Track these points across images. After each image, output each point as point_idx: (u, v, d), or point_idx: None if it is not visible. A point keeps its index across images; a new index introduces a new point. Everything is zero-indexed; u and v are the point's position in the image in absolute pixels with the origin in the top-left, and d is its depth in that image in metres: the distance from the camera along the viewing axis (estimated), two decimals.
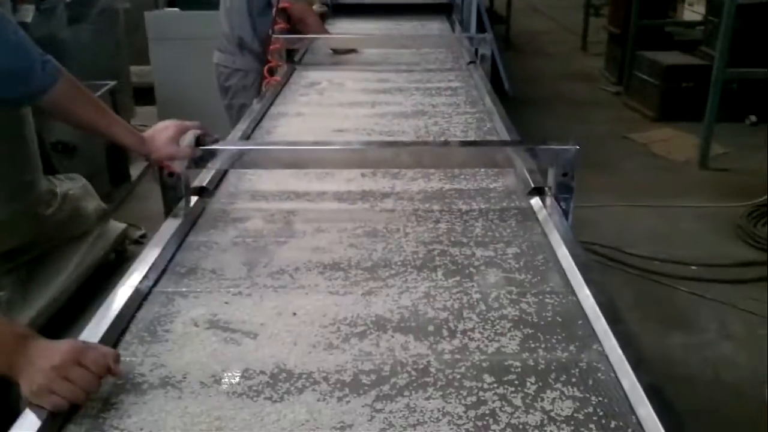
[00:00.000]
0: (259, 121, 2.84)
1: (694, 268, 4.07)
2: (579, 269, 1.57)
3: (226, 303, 1.50)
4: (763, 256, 4.22)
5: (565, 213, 1.86)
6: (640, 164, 5.76)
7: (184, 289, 1.56)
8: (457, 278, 1.59)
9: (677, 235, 4.52)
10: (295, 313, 1.46)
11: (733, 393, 3.10)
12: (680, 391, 1.10)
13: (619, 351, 1.26)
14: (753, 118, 6.58)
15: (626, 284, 3.86)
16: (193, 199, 1.98)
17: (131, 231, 4.18)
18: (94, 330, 1.36)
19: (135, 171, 5.04)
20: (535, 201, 1.98)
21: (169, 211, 1.89)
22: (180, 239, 1.79)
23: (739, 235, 4.50)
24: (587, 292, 1.47)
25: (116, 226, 3.61)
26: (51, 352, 1.15)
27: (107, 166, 4.56)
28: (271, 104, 3.11)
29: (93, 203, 3.03)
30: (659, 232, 4.54)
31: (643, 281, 3.97)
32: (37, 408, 1.13)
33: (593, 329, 1.37)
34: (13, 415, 1.13)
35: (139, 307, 1.48)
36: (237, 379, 1.24)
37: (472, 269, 1.63)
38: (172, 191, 1.90)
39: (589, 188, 4.42)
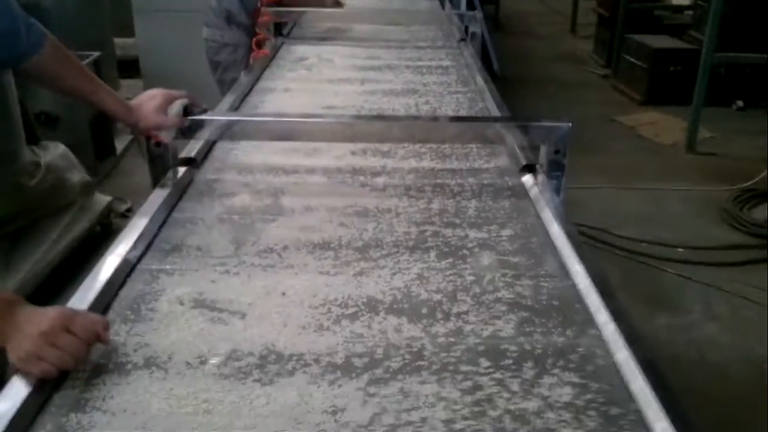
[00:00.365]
0: (246, 95, 2.79)
1: (680, 250, 4.08)
2: (572, 247, 1.54)
3: (213, 281, 1.46)
4: (748, 240, 4.24)
5: (557, 190, 1.84)
6: (628, 147, 5.75)
7: (168, 267, 1.51)
8: (451, 260, 1.55)
9: (664, 217, 4.52)
10: (284, 293, 1.42)
11: (718, 373, 3.12)
12: (666, 370, 1.13)
13: (618, 335, 1.23)
14: (740, 103, 6.58)
15: (613, 265, 3.85)
16: (181, 170, 1.94)
17: (117, 204, 4.12)
18: (82, 298, 1.32)
19: (120, 145, 4.96)
20: (527, 179, 1.95)
21: (156, 181, 1.84)
22: (166, 212, 1.74)
23: (724, 218, 4.51)
24: (582, 271, 1.45)
25: (101, 199, 3.55)
26: (39, 318, 1.12)
27: (92, 140, 4.48)
28: (259, 79, 3.06)
29: (77, 175, 2.97)
30: (646, 214, 4.54)
31: (629, 263, 3.98)
32: (25, 375, 1.10)
33: (589, 312, 1.34)
34: (0, 383, 1.11)
35: (122, 284, 1.44)
36: (225, 361, 1.20)
37: (465, 251, 1.59)
38: (160, 161, 1.85)
39: (577, 170, 4.39)
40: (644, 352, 1.18)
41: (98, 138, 4.59)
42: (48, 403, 1.10)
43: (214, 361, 1.20)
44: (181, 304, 1.37)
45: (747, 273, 3.87)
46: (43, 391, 1.11)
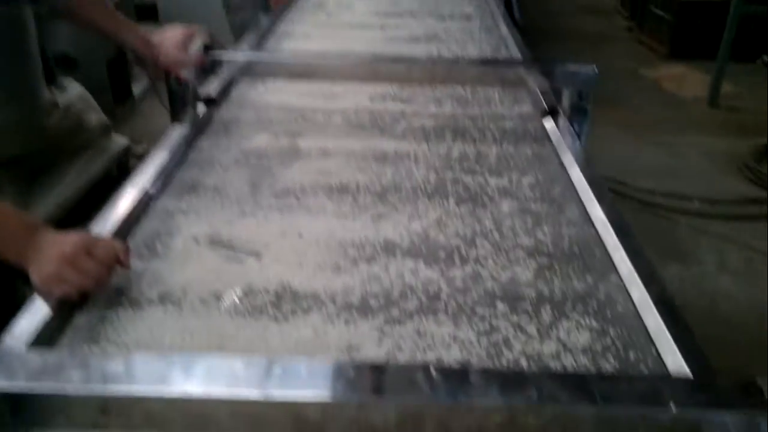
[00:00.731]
0: (264, 39, 2.75)
1: (697, 203, 4.04)
2: (594, 193, 1.52)
3: (229, 222, 1.45)
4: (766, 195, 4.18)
5: (580, 136, 1.81)
6: (650, 100, 5.67)
7: (184, 206, 1.50)
8: (470, 206, 1.53)
9: (683, 170, 4.47)
10: (300, 235, 1.40)
11: (729, 323, 3.10)
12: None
13: (636, 278, 1.22)
14: (766, 58, 6.43)
15: (629, 216, 3.81)
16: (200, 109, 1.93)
17: (135, 147, 4.11)
18: (104, 225, 1.33)
19: (137, 88, 4.94)
20: (550, 125, 1.91)
21: (175, 118, 1.83)
22: (184, 150, 1.73)
23: (744, 173, 4.45)
24: (603, 217, 1.43)
25: (119, 141, 3.53)
26: (60, 241, 1.13)
27: (109, 83, 4.46)
28: (277, 23, 3.01)
29: (95, 116, 2.95)
30: (665, 167, 4.49)
31: (645, 214, 3.94)
32: (46, 295, 1.12)
33: (610, 258, 1.32)
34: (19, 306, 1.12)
35: (137, 221, 1.43)
36: (240, 298, 1.19)
37: (485, 198, 1.57)
38: (179, 99, 1.84)
39: (597, 122, 4.36)
40: (661, 290, 1.17)
41: (116, 81, 4.56)
42: (60, 335, 1.10)
43: (232, 298, 1.19)
44: (197, 243, 1.37)
45: (764, 227, 3.82)
46: (63, 312, 1.12)
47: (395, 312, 1.16)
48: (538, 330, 1.12)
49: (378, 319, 1.14)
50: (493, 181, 1.64)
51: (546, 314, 1.16)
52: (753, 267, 3.50)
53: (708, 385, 0.91)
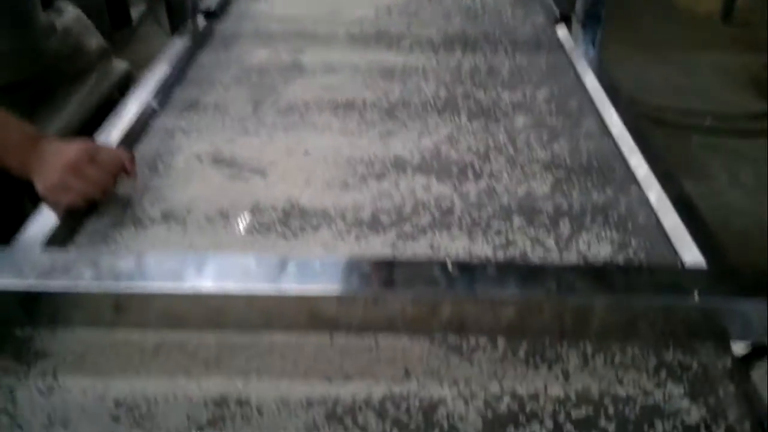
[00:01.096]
0: None
1: (709, 120, 3.96)
2: (611, 102, 1.46)
3: (231, 140, 1.39)
4: None
5: (594, 43, 1.74)
6: (662, 16, 5.52)
7: (184, 124, 1.45)
8: (483, 121, 1.47)
9: (695, 87, 4.37)
10: (307, 152, 1.35)
11: (742, 236, 3.07)
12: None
13: (656, 182, 1.20)
14: None
15: None
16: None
17: (135, 72, 4.03)
18: (108, 135, 1.31)
19: (135, 13, 4.83)
20: (563, 34, 1.84)
21: (175, 32, 1.76)
22: (183, 64, 1.67)
23: (757, 89, 4.35)
24: (620, 123, 1.38)
25: (120, 66, 3.47)
26: (64, 150, 1.11)
27: (107, 8, 4.34)
28: None
29: (94, 40, 2.87)
30: (677, 84, 4.39)
31: (657, 131, 3.87)
32: (52, 205, 1.10)
33: (630, 168, 1.27)
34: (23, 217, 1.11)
35: (137, 141, 1.38)
36: (246, 215, 1.15)
37: (498, 112, 1.50)
38: (179, 11, 1.77)
39: (608, 39, 4.25)
40: (679, 190, 1.18)
41: (113, 6, 4.45)
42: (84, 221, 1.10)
43: (242, 222, 1.14)
44: (200, 161, 1.32)
45: None
46: (72, 220, 1.10)
47: (408, 227, 1.12)
48: (557, 243, 1.08)
49: (390, 234, 1.10)
50: (506, 95, 1.58)
51: (564, 227, 1.11)
52: (765, 182, 3.46)
53: (729, 275, 0.89)
